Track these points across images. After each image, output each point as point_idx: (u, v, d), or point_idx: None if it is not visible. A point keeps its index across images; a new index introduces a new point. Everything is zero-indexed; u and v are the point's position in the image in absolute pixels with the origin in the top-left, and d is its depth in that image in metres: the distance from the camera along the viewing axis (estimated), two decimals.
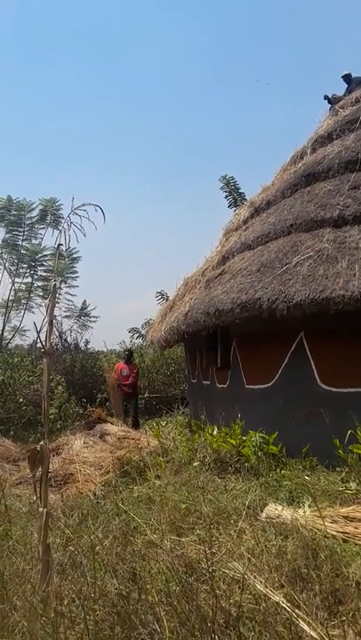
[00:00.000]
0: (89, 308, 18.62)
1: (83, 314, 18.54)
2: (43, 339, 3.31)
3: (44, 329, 3.37)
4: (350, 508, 4.63)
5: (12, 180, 46.50)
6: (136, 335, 20.69)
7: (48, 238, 17.00)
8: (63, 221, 3.38)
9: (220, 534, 4.10)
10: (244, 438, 6.87)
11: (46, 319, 3.37)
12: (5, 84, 48.45)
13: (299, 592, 3.02)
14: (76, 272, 17.14)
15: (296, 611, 2.65)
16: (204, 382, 9.92)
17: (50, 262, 16.12)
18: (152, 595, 3.00)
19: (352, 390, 6.62)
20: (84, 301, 18.54)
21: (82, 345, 18.17)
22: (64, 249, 14.41)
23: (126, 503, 5.19)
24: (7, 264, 16.26)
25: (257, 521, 4.44)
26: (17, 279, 16.34)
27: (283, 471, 6.23)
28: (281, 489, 5.53)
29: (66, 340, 17.95)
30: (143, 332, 19.33)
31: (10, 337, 16.70)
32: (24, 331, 16.89)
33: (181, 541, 3.98)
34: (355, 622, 2.74)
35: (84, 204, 3.31)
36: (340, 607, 2.98)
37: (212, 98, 56.68)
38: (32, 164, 55.20)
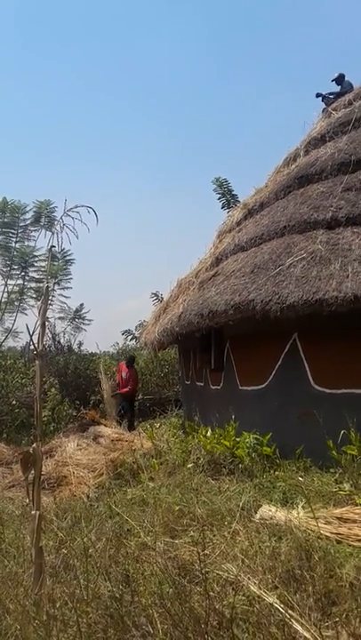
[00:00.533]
0: (83, 310, 18.56)
1: (76, 316, 18.47)
2: (35, 341, 3.29)
3: (37, 331, 3.35)
4: (344, 509, 4.64)
5: (11, 176, 46.46)
6: (130, 337, 20.67)
7: (41, 240, 16.93)
8: (56, 223, 3.37)
9: (214, 536, 4.10)
10: (237, 440, 6.87)
11: (39, 321, 3.35)
12: (6, 78, 48.47)
13: (292, 593, 3.02)
14: (70, 274, 17.09)
15: (290, 612, 2.65)
16: (198, 384, 9.92)
17: (43, 264, 16.06)
18: (145, 597, 2.99)
19: (345, 391, 6.64)
20: (81, 304, 18.50)
21: (75, 347, 18.13)
22: (57, 251, 14.36)
23: (120, 505, 5.17)
24: (0, 266, 16.19)
25: (251, 522, 4.44)
26: (10, 281, 16.26)
27: (277, 472, 6.23)
28: (275, 490, 5.53)
29: (59, 342, 17.91)
30: (137, 333, 19.30)
31: (2, 339, 16.62)
32: (17, 333, 16.79)
33: (175, 543, 3.97)
34: (348, 623, 2.74)
35: (76, 206, 3.30)
36: (334, 608, 2.99)
37: (211, 98, 56.75)
38: (31, 159, 55.22)
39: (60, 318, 17.98)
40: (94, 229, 3.32)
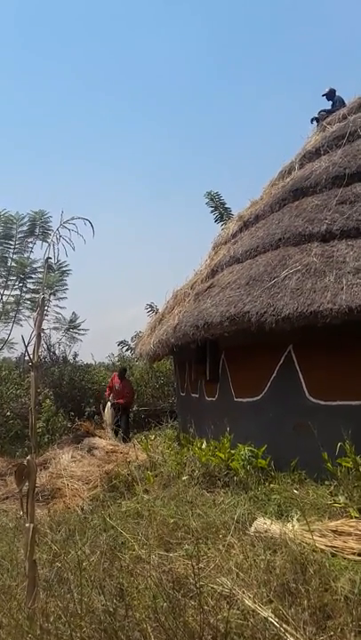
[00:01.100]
0: (78, 321, 18.52)
1: (71, 326, 18.43)
2: (31, 352, 3.30)
3: (32, 342, 3.35)
4: (339, 521, 4.62)
5: (10, 176, 46.60)
6: (125, 348, 20.62)
7: (37, 251, 16.95)
8: (52, 234, 3.39)
9: (209, 549, 4.08)
10: (232, 452, 6.85)
11: (34, 332, 3.36)
12: (5, 78, 48.80)
13: (287, 607, 3.01)
14: (66, 285, 17.08)
15: (284, 626, 2.64)
16: (193, 395, 9.91)
17: (39, 275, 16.07)
18: (139, 611, 2.97)
19: (341, 403, 6.64)
20: (74, 313, 18.45)
21: (70, 358, 18.06)
22: (53, 262, 14.38)
23: (114, 518, 5.15)
24: None
25: (246, 535, 4.42)
26: (5, 291, 16.24)
27: (271, 485, 6.21)
28: (270, 503, 5.51)
29: (54, 352, 17.85)
30: (132, 344, 19.26)
31: None
32: (12, 343, 16.74)
33: (169, 556, 3.96)
34: (343, 637, 2.73)
35: (73, 218, 3.32)
36: (329, 622, 2.97)
37: (211, 98, 57.11)
38: (31, 159, 55.41)
39: (55, 329, 17.92)
40: (90, 240, 3.35)
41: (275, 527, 4.47)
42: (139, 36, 53.73)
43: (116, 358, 19.77)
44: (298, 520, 4.62)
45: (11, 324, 16.40)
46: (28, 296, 16.53)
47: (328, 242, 7.52)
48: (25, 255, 16.39)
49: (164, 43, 52.07)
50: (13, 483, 6.51)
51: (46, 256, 3.44)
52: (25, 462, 3.09)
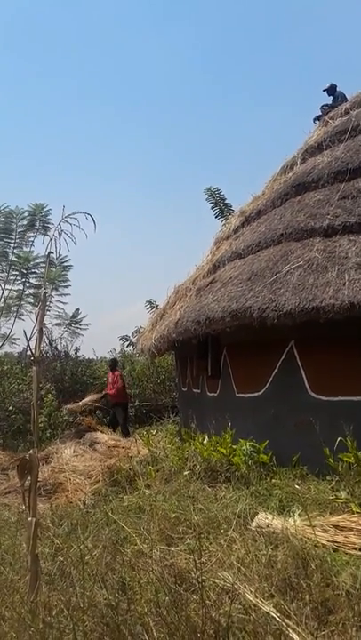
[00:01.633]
0: (80, 316, 18.51)
1: (73, 321, 18.42)
2: (33, 347, 3.29)
3: (34, 337, 3.35)
4: (340, 517, 4.63)
5: (5, 185, 46.58)
6: (127, 343, 20.64)
7: (38, 245, 16.93)
8: (53, 229, 3.38)
9: (210, 544, 4.09)
10: (234, 447, 6.86)
11: (36, 327, 3.35)
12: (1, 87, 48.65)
13: (289, 602, 3.01)
14: (68, 280, 17.06)
15: (286, 620, 2.65)
16: (195, 390, 9.91)
17: (41, 270, 16.05)
18: (141, 605, 2.98)
19: (342, 399, 6.64)
20: (77, 309, 18.44)
21: (72, 353, 18.06)
22: (55, 257, 14.36)
23: (116, 512, 5.16)
24: None
25: (247, 530, 4.43)
26: (7, 286, 16.23)
27: (273, 480, 6.22)
28: (271, 498, 5.52)
29: (56, 347, 17.84)
30: (134, 339, 19.28)
31: (0, 345, 16.56)
32: (14, 339, 16.74)
33: (171, 551, 3.97)
34: (345, 632, 2.74)
35: (74, 212, 3.31)
36: (330, 617, 2.98)
37: (207, 106, 57.06)
38: (27, 168, 55.36)
39: (57, 324, 17.93)
40: (92, 235, 3.34)
41: (276, 522, 4.48)
42: (132, 43, 53.61)
43: (118, 354, 19.79)
44: (299, 515, 4.62)
45: (13, 319, 16.42)
46: (30, 291, 16.55)
47: (330, 237, 7.51)
48: (25, 249, 16.41)
49: (159, 49, 51.97)
50: (16, 477, 6.54)
51: (48, 251, 3.43)
52: (27, 457, 3.09)
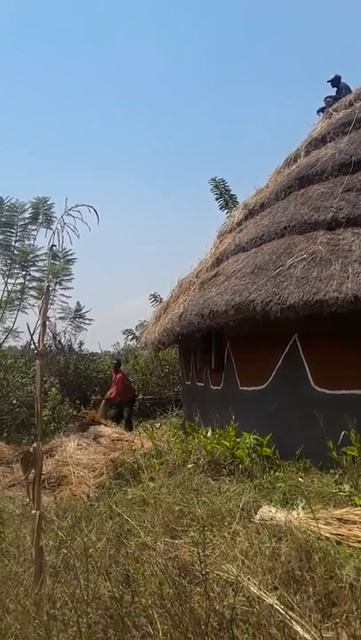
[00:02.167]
0: (83, 310, 18.53)
1: (77, 315, 18.43)
2: (36, 340, 3.29)
3: (38, 330, 3.35)
4: (344, 509, 4.64)
5: (8, 179, 46.56)
6: (130, 337, 20.66)
7: (41, 238, 16.92)
8: (56, 222, 3.36)
9: (214, 536, 4.10)
10: (238, 440, 6.87)
11: (39, 320, 3.35)
12: (2, 81, 48.52)
13: (292, 594, 3.02)
14: (72, 274, 17.06)
15: (290, 613, 2.65)
16: (198, 384, 9.92)
17: (44, 263, 16.06)
18: (145, 597, 2.99)
19: (345, 392, 6.64)
20: (78, 303, 18.45)
21: (76, 346, 18.11)
22: (59, 250, 14.36)
23: (120, 505, 5.18)
24: (0, 265, 16.18)
25: (251, 523, 4.44)
26: (10, 280, 16.25)
27: (276, 473, 6.23)
28: (275, 491, 5.53)
29: (60, 341, 17.89)
30: (137, 333, 19.29)
31: (3, 338, 16.60)
32: (17, 332, 16.78)
33: (175, 543, 3.98)
34: (348, 624, 2.74)
35: (77, 205, 3.30)
36: (334, 609, 2.99)
37: (210, 98, 56.80)
38: (29, 162, 55.30)
39: (60, 318, 17.95)
40: (95, 228, 3.32)
41: (280, 515, 4.48)
42: (133, 36, 53.34)
43: (121, 347, 19.82)
44: (303, 508, 4.63)
45: (16, 313, 16.45)
46: (33, 284, 16.57)
47: (334, 230, 7.47)
48: (27, 242, 16.41)
49: (161, 39, 51.71)
50: (20, 470, 6.55)
51: (50, 244, 3.42)
52: (31, 450, 3.10)
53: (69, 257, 16.81)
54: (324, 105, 11.41)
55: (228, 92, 55.91)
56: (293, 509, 4.67)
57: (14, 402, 12.49)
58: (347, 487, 5.42)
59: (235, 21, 52.79)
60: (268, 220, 8.73)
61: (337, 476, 5.89)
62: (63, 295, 17.38)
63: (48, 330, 15.75)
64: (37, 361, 3.38)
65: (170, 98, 57.68)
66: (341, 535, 4.15)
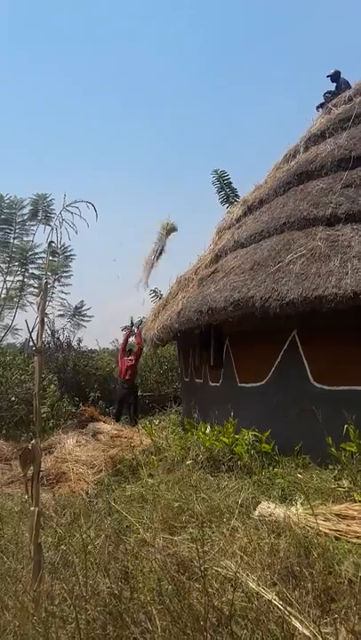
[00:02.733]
0: (83, 307, 18.50)
1: (76, 312, 18.40)
2: (35, 337, 3.28)
3: (36, 327, 3.34)
4: (343, 505, 4.63)
5: (8, 177, 46.49)
6: None
7: (40, 235, 16.88)
8: (55, 218, 3.35)
9: (213, 532, 4.10)
10: (236, 437, 6.86)
11: (38, 318, 3.34)
12: (1, 79, 48.39)
13: (291, 590, 3.02)
14: (71, 270, 17.02)
15: (288, 609, 2.65)
16: (197, 381, 9.91)
17: (43, 260, 16.02)
18: (144, 593, 2.99)
19: (345, 388, 6.63)
20: (81, 301, 18.43)
21: (74, 343, 18.07)
22: (57, 246, 14.33)
23: (119, 502, 5.17)
24: None
25: (249, 519, 4.44)
26: (9, 277, 16.23)
27: (275, 469, 6.23)
28: (274, 487, 5.53)
29: (58, 338, 17.85)
30: (136, 330, 19.24)
31: (2, 335, 16.59)
32: (16, 329, 16.77)
33: (174, 540, 3.98)
34: (347, 620, 2.74)
35: (75, 201, 3.29)
36: (333, 605, 2.98)
37: (209, 96, 56.66)
38: (26, 160, 55.18)
39: (59, 315, 17.93)
40: (93, 225, 3.31)
41: (279, 511, 4.48)
42: (134, 34, 53.18)
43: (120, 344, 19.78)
44: (302, 504, 4.63)
45: (15, 310, 16.44)
46: (31, 281, 16.54)
47: (333, 226, 7.46)
48: (26, 239, 16.38)
49: (161, 36, 51.59)
50: (18, 467, 6.55)
51: (49, 240, 3.40)
52: (30, 447, 3.09)
53: (68, 253, 16.80)
54: (323, 101, 11.39)
55: (227, 90, 55.81)
56: (292, 505, 4.67)
57: (13, 399, 12.46)
58: (346, 483, 5.42)
59: (235, 21, 52.59)
60: (267, 216, 8.71)
61: (336, 471, 5.89)
62: (62, 292, 17.37)
63: (47, 327, 15.76)
64: (36, 358, 3.37)
65: (170, 97, 57.55)
66: (340, 531, 4.15)
